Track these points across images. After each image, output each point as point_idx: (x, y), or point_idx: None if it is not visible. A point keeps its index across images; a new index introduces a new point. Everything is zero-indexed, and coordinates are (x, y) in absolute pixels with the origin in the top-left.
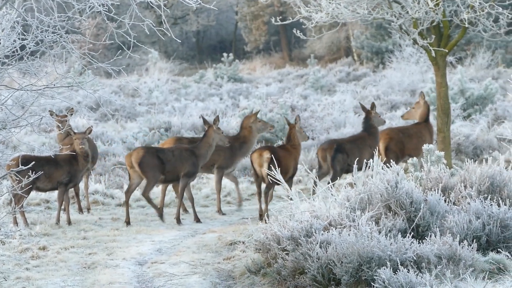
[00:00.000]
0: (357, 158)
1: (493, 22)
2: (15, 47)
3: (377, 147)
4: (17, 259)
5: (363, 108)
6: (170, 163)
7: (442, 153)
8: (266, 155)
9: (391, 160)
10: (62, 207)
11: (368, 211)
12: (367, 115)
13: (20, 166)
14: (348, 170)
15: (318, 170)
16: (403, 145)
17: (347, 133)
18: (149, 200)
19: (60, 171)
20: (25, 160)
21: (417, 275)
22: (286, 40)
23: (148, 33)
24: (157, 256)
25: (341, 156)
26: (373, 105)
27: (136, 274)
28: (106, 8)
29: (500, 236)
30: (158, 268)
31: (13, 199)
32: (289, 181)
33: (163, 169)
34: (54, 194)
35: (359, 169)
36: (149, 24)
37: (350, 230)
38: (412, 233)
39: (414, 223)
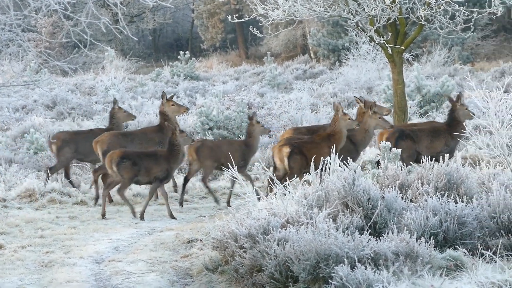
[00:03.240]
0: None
1: (449, 19)
2: None
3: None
4: None
5: (450, 100)
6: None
7: (399, 150)
8: (286, 150)
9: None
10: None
11: (326, 209)
12: (452, 107)
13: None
14: (418, 159)
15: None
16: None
17: None
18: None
19: (159, 167)
20: (126, 154)
21: (374, 272)
22: (242, 37)
23: (104, 31)
24: (115, 254)
25: (405, 144)
26: (458, 97)
27: (93, 273)
28: (62, 6)
29: (457, 233)
30: (115, 266)
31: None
32: None
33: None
34: (10, 193)
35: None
36: (105, 22)
37: (307, 228)
38: (370, 230)
39: (372, 220)
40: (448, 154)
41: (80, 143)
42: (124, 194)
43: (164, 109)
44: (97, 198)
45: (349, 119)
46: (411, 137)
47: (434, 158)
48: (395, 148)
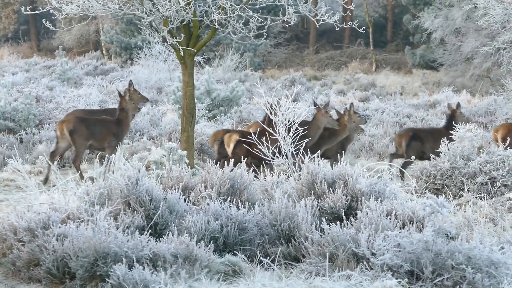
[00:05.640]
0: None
1: (243, 25)
2: None
3: None
4: None
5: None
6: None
7: (185, 152)
8: (235, 137)
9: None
10: None
11: (107, 207)
12: (452, 113)
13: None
14: (422, 157)
15: (394, 153)
16: None
17: None
18: None
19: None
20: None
21: (152, 273)
22: (35, 30)
23: None
24: None
25: (415, 144)
26: (458, 105)
27: None
28: None
29: (237, 239)
30: None
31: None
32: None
33: None
34: None
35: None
36: None
37: (88, 225)
38: (150, 231)
39: (153, 221)
40: None
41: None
42: None
43: (126, 107)
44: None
45: (330, 117)
46: (421, 138)
47: None
48: (406, 146)
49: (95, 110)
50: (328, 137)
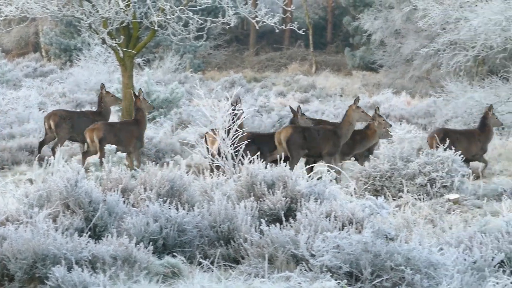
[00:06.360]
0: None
1: (182, 27)
2: None
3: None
4: None
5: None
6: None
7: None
8: (288, 131)
9: None
10: None
11: (46, 209)
12: (484, 115)
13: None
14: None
15: None
16: None
17: (31, 129)
18: None
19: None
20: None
21: (91, 275)
22: None
23: None
24: None
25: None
26: (490, 107)
27: None
28: None
29: (177, 240)
30: None
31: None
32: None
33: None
34: None
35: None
36: None
37: (27, 227)
38: (89, 232)
39: (92, 223)
40: None
41: (75, 122)
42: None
43: (142, 106)
44: None
45: (362, 111)
46: (452, 139)
47: None
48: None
49: (75, 111)
50: (359, 141)
